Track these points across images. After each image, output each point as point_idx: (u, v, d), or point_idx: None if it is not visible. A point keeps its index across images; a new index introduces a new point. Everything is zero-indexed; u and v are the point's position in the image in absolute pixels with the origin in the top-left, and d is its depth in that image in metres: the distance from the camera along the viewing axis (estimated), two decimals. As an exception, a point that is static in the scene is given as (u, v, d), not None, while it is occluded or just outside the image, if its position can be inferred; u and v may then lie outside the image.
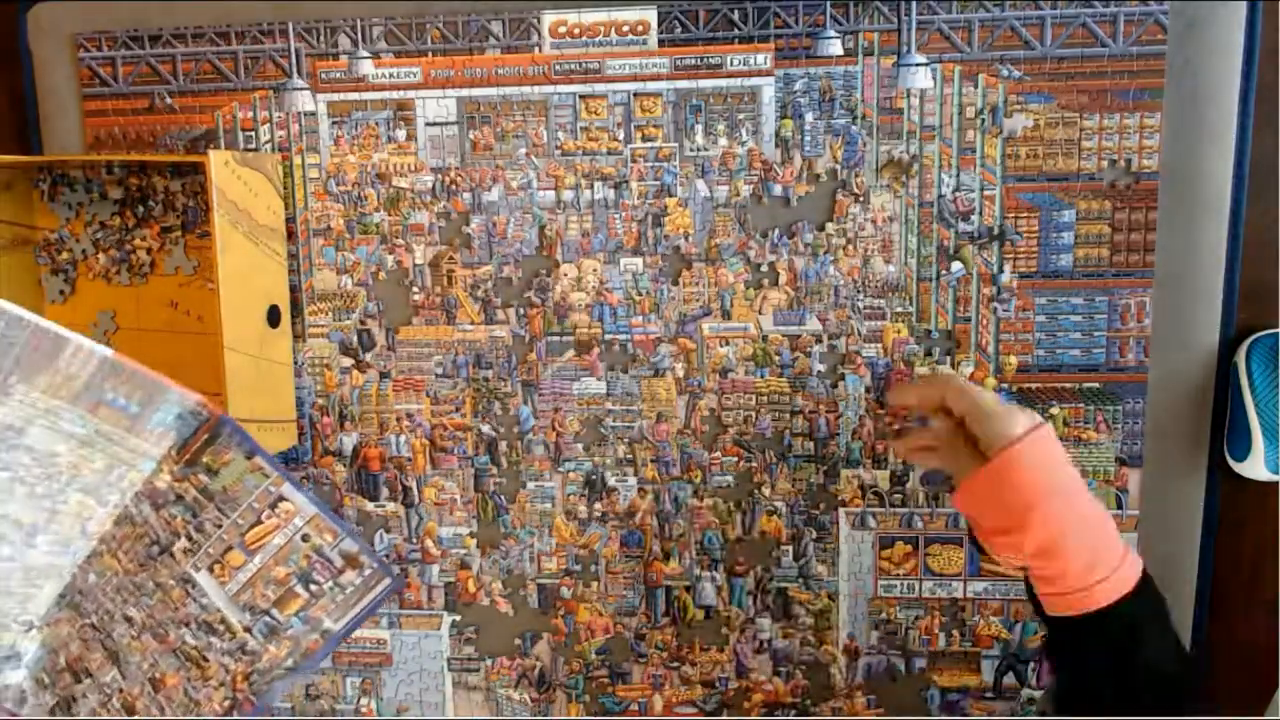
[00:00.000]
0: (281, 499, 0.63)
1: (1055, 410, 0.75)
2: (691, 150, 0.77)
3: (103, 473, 0.63)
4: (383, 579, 0.64)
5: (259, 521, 0.63)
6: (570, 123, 0.77)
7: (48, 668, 0.67)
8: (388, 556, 0.83)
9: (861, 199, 0.75)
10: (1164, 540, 0.76)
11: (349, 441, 0.82)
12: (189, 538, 0.64)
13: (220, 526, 0.64)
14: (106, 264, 0.82)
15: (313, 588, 0.64)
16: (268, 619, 0.64)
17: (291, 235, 0.80)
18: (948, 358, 0.76)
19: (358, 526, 0.82)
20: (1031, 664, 0.78)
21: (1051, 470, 0.61)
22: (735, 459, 0.79)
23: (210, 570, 0.64)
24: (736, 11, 0.74)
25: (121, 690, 0.66)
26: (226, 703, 0.65)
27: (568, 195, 0.78)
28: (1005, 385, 0.76)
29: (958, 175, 0.74)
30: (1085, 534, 0.60)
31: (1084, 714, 0.62)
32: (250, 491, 0.63)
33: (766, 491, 0.79)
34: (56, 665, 0.67)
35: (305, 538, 0.64)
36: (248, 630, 0.65)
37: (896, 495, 0.78)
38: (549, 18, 0.76)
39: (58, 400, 0.61)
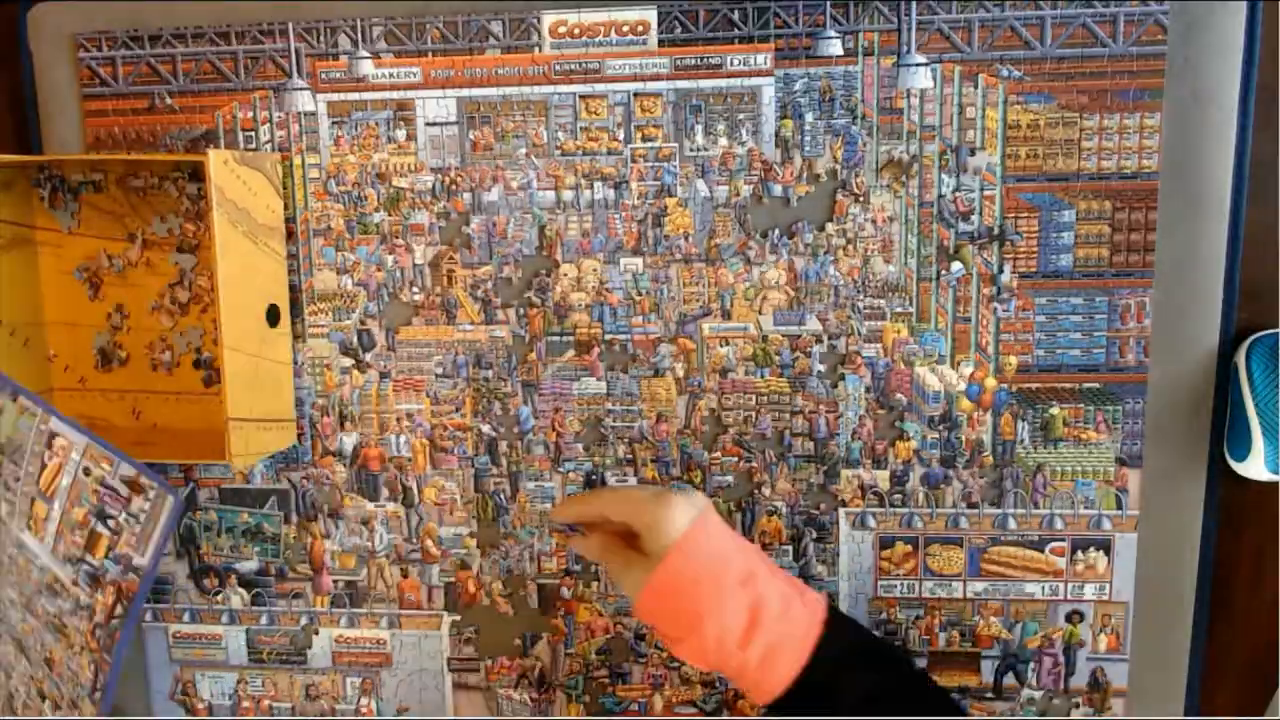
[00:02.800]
0: (54, 435, 0.62)
1: (1055, 410, 0.75)
2: (691, 150, 0.77)
3: None
4: (166, 499, 0.62)
5: (44, 465, 0.62)
6: (570, 123, 0.77)
7: None
8: (389, 555, 0.83)
9: (861, 199, 0.75)
10: (1164, 540, 0.76)
11: (349, 441, 0.82)
12: (7, 500, 0.63)
13: (19, 480, 0.62)
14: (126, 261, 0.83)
15: (110, 523, 0.62)
16: (86, 566, 0.63)
17: (291, 235, 0.80)
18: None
19: (360, 524, 0.83)
20: (1031, 664, 0.78)
21: (712, 574, 0.60)
22: (735, 459, 0.79)
23: (29, 528, 0.63)
24: (736, 11, 0.74)
25: (33, 678, 0.65)
26: (92, 666, 0.64)
27: (568, 195, 0.78)
28: (1005, 385, 0.76)
29: (958, 175, 0.74)
30: (761, 620, 0.60)
31: None
32: (27, 435, 0.61)
33: (766, 491, 0.79)
34: None
35: (87, 471, 0.62)
36: (75, 583, 0.63)
37: (896, 495, 0.78)
38: (549, 18, 0.76)
39: None
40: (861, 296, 0.76)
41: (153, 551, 0.62)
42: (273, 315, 0.78)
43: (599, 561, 0.72)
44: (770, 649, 0.60)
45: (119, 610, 0.62)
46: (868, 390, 0.77)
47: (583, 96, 0.77)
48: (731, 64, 0.75)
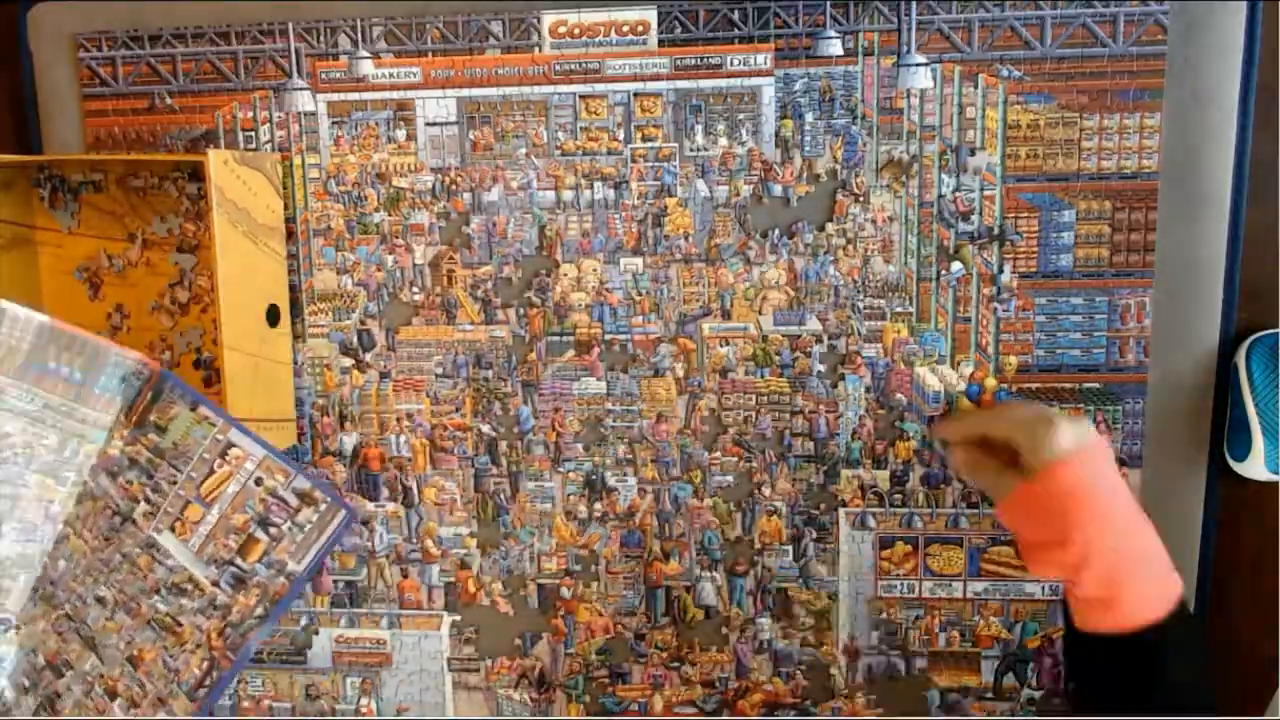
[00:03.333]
0: (231, 445, 0.63)
1: (1055, 411, 0.75)
2: (691, 150, 0.77)
3: (57, 449, 0.63)
4: (338, 512, 0.64)
5: (212, 472, 0.63)
6: (570, 123, 0.77)
7: (26, 670, 0.66)
8: (389, 555, 0.83)
9: (861, 199, 0.75)
10: (1164, 540, 0.75)
11: (349, 441, 0.82)
12: (147, 500, 0.63)
13: (175, 483, 0.63)
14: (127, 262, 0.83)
15: (271, 530, 0.64)
16: (233, 569, 0.64)
17: (291, 235, 0.80)
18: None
19: (361, 525, 0.83)
20: (1031, 664, 0.78)
21: (1096, 493, 0.61)
22: (735, 459, 0.79)
23: (172, 530, 0.64)
24: (736, 11, 0.74)
25: (102, 675, 0.66)
26: (205, 664, 0.65)
27: (568, 195, 0.78)
28: (1005, 385, 0.76)
29: (958, 175, 0.74)
30: (1127, 558, 0.60)
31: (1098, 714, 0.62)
32: (200, 443, 0.63)
33: (766, 491, 0.79)
34: (36, 665, 0.66)
35: (259, 481, 0.63)
36: (215, 584, 0.64)
37: (896, 495, 0.78)
38: (549, 18, 0.76)
39: (3, 377, 0.59)
40: (861, 296, 0.76)
41: (312, 559, 0.64)
42: (273, 315, 0.78)
43: (969, 478, 0.73)
44: (1136, 582, 0.60)
45: (259, 611, 0.64)
46: (868, 390, 0.77)
47: (583, 96, 0.77)
48: (731, 64, 0.75)
